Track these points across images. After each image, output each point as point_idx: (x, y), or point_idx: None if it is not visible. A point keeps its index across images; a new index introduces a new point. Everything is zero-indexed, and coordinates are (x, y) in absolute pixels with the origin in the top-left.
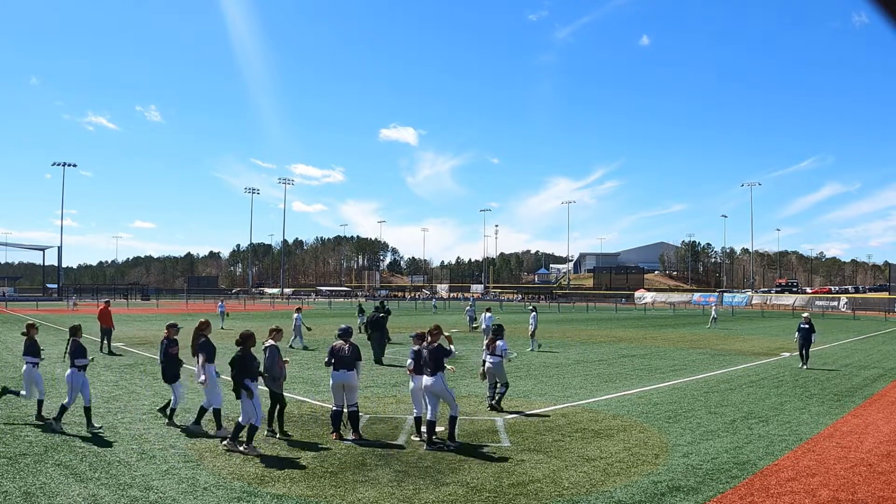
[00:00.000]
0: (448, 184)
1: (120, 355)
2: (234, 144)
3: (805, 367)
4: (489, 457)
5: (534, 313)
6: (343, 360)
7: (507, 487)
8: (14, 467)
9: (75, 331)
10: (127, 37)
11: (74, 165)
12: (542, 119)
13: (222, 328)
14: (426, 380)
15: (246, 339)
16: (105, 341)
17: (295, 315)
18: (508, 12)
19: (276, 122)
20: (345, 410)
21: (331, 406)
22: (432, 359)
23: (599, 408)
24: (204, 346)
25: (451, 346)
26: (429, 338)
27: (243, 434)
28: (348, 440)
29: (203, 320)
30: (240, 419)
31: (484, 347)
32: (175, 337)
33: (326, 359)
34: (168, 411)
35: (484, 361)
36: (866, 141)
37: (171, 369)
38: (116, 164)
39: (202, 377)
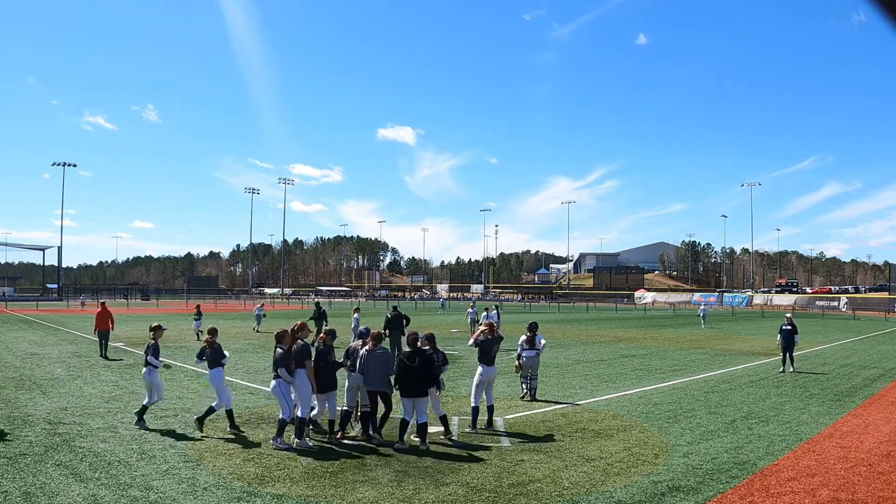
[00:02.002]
0: (448, 183)
1: (118, 359)
2: (232, 144)
3: (785, 370)
4: (489, 457)
5: (495, 311)
6: (357, 364)
7: (507, 487)
8: (14, 467)
9: (281, 338)
10: (123, 35)
11: (74, 165)
12: (541, 118)
13: (257, 331)
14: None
15: (432, 341)
16: (104, 344)
17: (354, 315)
18: (507, 11)
19: (273, 121)
20: (357, 412)
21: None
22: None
23: (599, 408)
24: (304, 351)
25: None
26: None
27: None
28: (347, 439)
29: (300, 322)
30: (419, 419)
31: (519, 343)
32: (331, 344)
33: (342, 360)
34: (340, 424)
35: (519, 355)
36: (867, 140)
37: (329, 378)
38: (115, 163)
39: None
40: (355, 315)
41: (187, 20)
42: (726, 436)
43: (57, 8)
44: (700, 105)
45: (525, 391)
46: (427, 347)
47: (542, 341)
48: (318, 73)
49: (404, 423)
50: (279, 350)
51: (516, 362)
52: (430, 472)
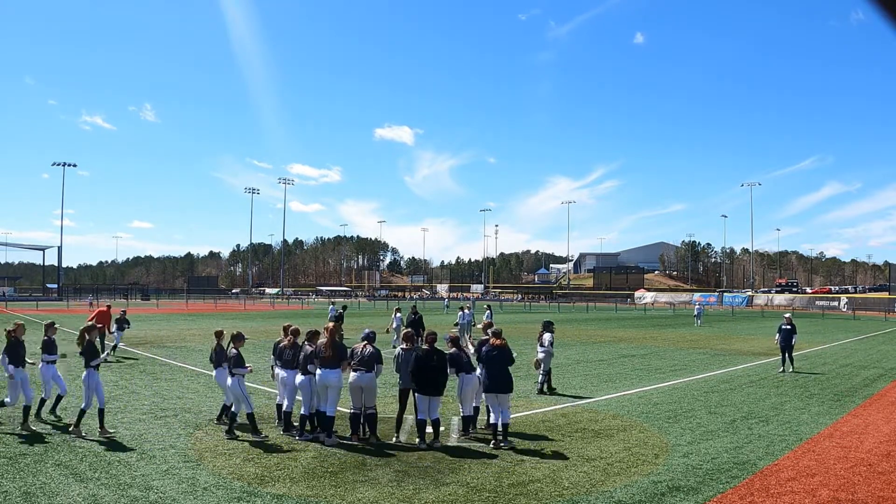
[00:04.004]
0: (447, 183)
1: (112, 362)
2: (230, 144)
3: (784, 371)
4: (489, 457)
5: (489, 311)
6: (362, 362)
7: (507, 487)
8: (14, 467)
9: (312, 336)
10: (122, 35)
11: (74, 165)
12: (540, 118)
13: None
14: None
15: (456, 343)
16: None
17: (396, 315)
18: (505, 11)
19: (272, 121)
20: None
21: (347, 410)
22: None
23: (599, 408)
24: (343, 352)
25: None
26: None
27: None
28: (346, 440)
29: (333, 324)
30: (431, 416)
31: (535, 340)
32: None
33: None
34: (351, 426)
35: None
36: (867, 140)
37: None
38: (113, 163)
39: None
40: (397, 314)
41: (186, 20)
42: (726, 436)
43: (53, 7)
44: (700, 105)
45: (539, 385)
46: (453, 349)
47: (545, 337)
48: (315, 72)
49: (422, 423)
50: (308, 347)
51: (535, 359)
52: (430, 472)
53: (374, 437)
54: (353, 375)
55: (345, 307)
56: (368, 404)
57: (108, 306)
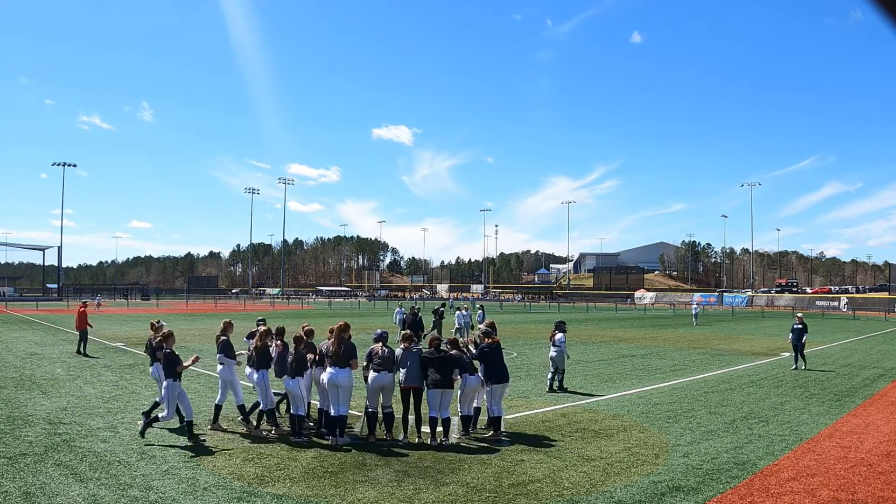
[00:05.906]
0: (447, 183)
1: (97, 357)
2: (229, 144)
3: (797, 368)
4: (489, 457)
5: (480, 311)
6: (384, 363)
7: (507, 487)
8: (14, 467)
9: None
10: (120, 35)
11: (74, 165)
12: (540, 117)
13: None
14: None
15: (455, 346)
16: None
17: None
18: (503, 10)
19: (270, 121)
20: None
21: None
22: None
23: (599, 408)
24: (351, 351)
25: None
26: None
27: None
28: (345, 438)
29: (344, 322)
30: (442, 414)
31: (548, 339)
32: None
33: (365, 362)
34: (368, 425)
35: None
36: (867, 140)
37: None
38: (111, 163)
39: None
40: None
41: (185, 19)
42: (726, 436)
43: (50, 7)
44: (700, 105)
45: (549, 383)
46: (454, 351)
47: (557, 336)
48: (314, 72)
49: (433, 420)
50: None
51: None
52: (430, 472)
53: (390, 435)
54: (373, 375)
55: (444, 305)
56: (386, 403)
57: (85, 303)
